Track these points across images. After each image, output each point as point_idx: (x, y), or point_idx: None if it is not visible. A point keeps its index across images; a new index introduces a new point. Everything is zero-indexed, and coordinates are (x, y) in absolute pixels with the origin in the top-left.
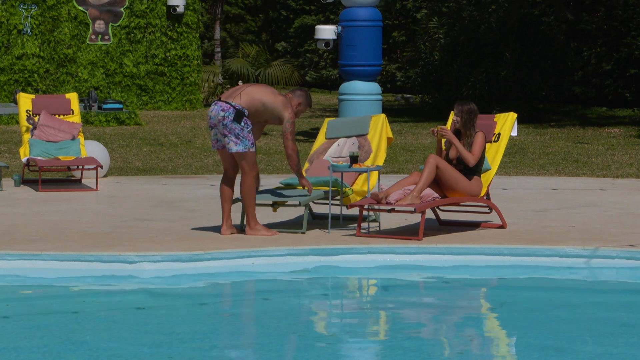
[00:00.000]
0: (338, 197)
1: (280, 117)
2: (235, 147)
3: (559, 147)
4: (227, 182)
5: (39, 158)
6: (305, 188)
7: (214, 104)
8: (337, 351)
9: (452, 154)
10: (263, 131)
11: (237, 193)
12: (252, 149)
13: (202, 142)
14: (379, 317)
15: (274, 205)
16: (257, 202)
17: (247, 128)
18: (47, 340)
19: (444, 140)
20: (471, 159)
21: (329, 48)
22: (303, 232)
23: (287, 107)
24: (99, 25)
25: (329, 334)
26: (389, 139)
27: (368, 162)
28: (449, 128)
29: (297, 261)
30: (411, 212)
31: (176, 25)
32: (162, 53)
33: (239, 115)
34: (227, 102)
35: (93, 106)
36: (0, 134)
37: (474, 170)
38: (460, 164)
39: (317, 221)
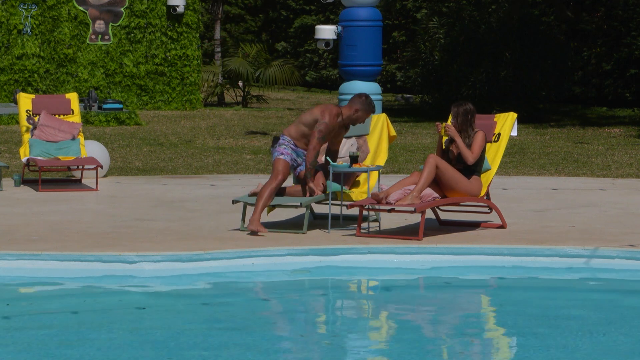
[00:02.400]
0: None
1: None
2: (273, 155)
3: (559, 147)
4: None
5: (39, 158)
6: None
7: None
8: (337, 351)
9: (452, 153)
10: (265, 131)
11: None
12: (280, 157)
13: (202, 142)
14: (379, 317)
15: (271, 207)
16: None
17: (283, 144)
18: (47, 340)
19: (444, 139)
20: (470, 157)
21: (329, 48)
22: (304, 233)
23: (325, 113)
24: (99, 25)
25: (329, 333)
26: (392, 137)
27: (367, 163)
28: None
29: (297, 261)
30: (411, 212)
31: (176, 25)
32: (162, 53)
33: (274, 141)
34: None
35: (93, 106)
36: (0, 134)
37: (473, 170)
38: (459, 163)
39: (317, 221)
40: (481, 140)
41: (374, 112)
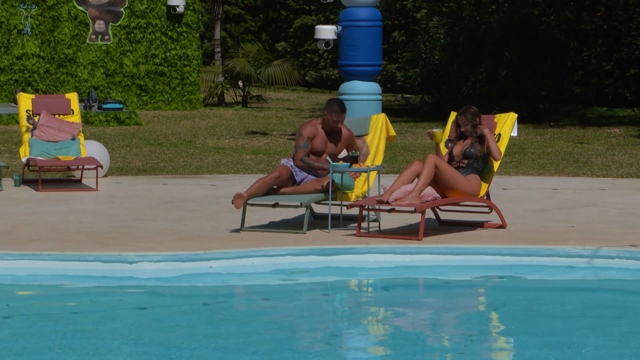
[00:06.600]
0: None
1: None
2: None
3: (559, 147)
4: (280, 180)
5: (39, 158)
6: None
7: None
8: (337, 351)
9: (457, 150)
10: (264, 131)
11: (252, 199)
12: (284, 164)
13: (202, 142)
14: (379, 317)
15: (275, 205)
16: (260, 202)
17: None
18: (47, 340)
19: (442, 144)
20: (498, 152)
21: (329, 48)
22: (304, 233)
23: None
24: (99, 25)
25: (329, 334)
26: (392, 137)
27: (367, 163)
28: (448, 131)
29: (297, 261)
30: (411, 212)
31: (176, 25)
32: (162, 53)
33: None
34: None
35: (93, 106)
36: (0, 134)
37: (476, 168)
38: (465, 158)
39: (317, 221)
40: (491, 134)
41: (336, 109)
